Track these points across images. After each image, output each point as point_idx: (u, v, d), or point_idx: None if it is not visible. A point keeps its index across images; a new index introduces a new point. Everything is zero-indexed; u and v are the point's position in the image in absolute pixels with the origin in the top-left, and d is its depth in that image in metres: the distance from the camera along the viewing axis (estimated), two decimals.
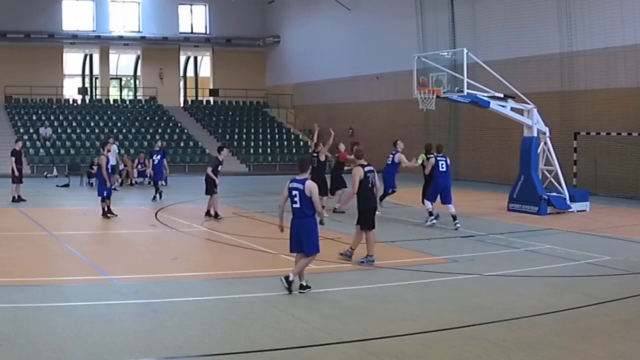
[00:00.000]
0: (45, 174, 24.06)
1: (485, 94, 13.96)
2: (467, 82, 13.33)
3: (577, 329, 6.28)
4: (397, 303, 7.13)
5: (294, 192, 7.18)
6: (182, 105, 34.55)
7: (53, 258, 9.05)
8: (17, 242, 10.33)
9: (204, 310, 6.59)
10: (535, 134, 14.30)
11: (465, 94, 13.23)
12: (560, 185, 14.51)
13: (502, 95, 14.13)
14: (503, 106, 14.13)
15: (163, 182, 17.74)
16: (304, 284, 7.29)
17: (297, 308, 6.71)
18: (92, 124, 29.72)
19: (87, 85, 34.04)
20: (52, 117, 29.80)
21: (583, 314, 6.80)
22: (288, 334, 5.90)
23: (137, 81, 35.61)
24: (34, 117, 29.58)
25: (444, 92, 13.53)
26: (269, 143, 30.72)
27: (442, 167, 12.08)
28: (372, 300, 7.26)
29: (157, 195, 16.49)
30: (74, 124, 29.60)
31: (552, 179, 14.64)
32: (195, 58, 36.52)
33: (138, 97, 34.86)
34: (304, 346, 5.56)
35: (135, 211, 14.93)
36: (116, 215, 13.03)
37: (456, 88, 13.36)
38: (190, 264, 9.07)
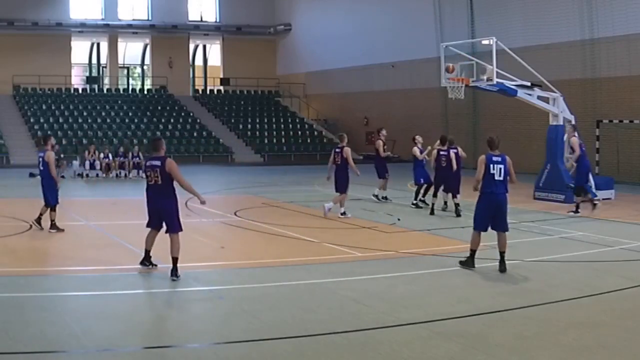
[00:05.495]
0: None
1: (512, 83, 14.04)
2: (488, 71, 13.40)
3: (624, 308, 6.60)
4: (449, 287, 7.35)
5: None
6: (192, 94, 34.55)
7: (102, 248, 9.20)
8: (60, 232, 10.44)
9: (268, 297, 6.76)
10: (561, 123, 14.41)
11: (495, 82, 13.31)
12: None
13: (529, 84, 14.22)
14: (530, 94, 14.22)
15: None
16: None
17: (356, 293, 6.89)
18: (102, 114, 29.69)
19: (94, 74, 33.99)
20: (62, 107, 29.73)
21: (627, 295, 7.12)
22: (356, 317, 6.10)
23: (146, 70, 35.56)
24: (44, 107, 29.52)
25: (472, 81, 13.62)
26: (282, 133, 30.77)
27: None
28: (425, 285, 7.50)
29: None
30: (85, 113, 29.56)
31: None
32: (204, 46, 36.46)
33: (148, 87, 34.84)
34: (374, 328, 5.76)
35: None
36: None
37: (485, 77, 13.44)
38: (239, 252, 9.25)
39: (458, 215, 12.09)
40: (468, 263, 8.07)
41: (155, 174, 7.25)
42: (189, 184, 7.43)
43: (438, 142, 13.09)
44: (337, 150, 12.23)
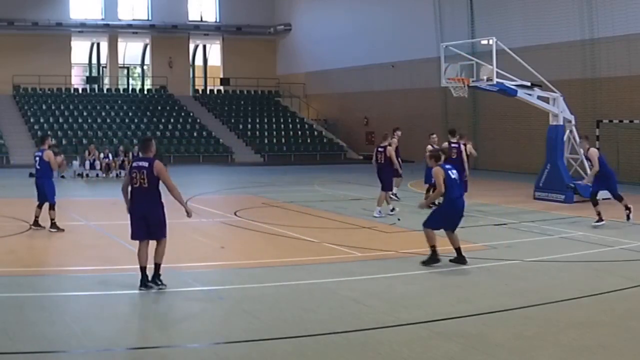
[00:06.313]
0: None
1: (512, 83, 14.05)
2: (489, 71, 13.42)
3: (624, 308, 6.61)
4: (449, 287, 7.35)
5: None
6: (192, 94, 34.55)
7: (102, 248, 9.20)
8: (60, 232, 10.45)
9: (268, 297, 6.77)
10: (561, 123, 14.43)
11: (495, 82, 13.33)
12: (586, 174, 14.63)
13: (529, 84, 14.22)
14: (530, 94, 14.23)
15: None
16: None
17: (356, 293, 6.90)
18: (102, 114, 29.70)
19: (94, 74, 34.00)
20: (62, 107, 29.74)
21: (626, 295, 7.12)
22: (356, 317, 6.10)
23: (146, 70, 35.56)
24: (44, 107, 29.53)
25: (472, 81, 13.63)
26: (282, 133, 30.77)
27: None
28: (425, 285, 7.50)
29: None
30: (85, 113, 29.57)
31: (577, 167, 14.79)
32: (204, 46, 36.46)
33: (148, 87, 34.84)
34: (374, 328, 5.76)
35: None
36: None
37: (485, 77, 13.46)
38: (239, 252, 9.27)
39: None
40: (432, 260, 8.08)
41: (142, 176, 6.68)
42: (179, 192, 6.86)
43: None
44: (380, 149, 12.10)
